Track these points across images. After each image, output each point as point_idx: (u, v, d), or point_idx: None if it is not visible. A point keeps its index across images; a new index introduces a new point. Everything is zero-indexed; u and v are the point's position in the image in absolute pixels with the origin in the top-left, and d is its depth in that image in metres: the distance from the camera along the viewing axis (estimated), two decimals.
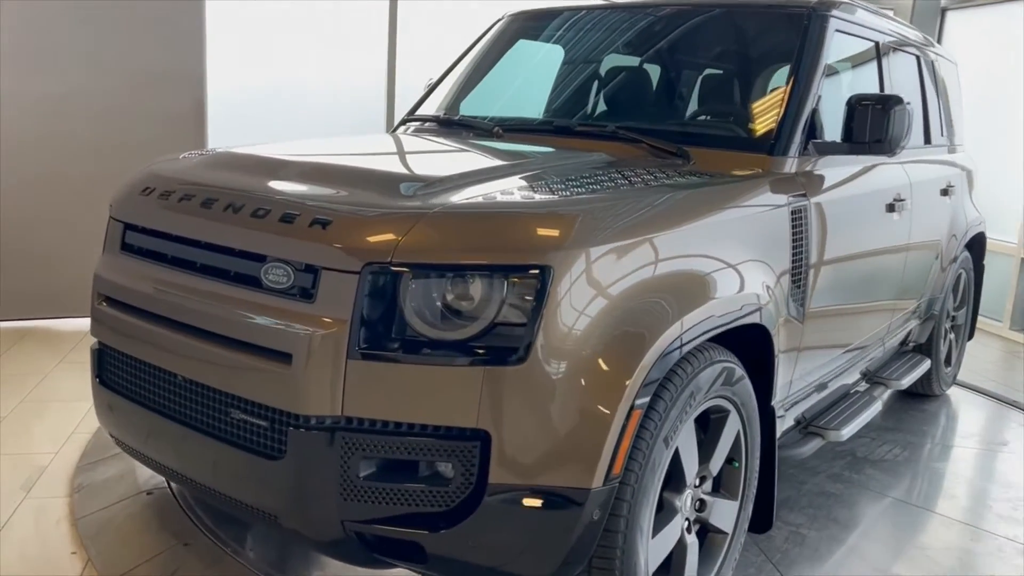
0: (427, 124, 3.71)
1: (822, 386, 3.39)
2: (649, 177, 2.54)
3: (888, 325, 3.93)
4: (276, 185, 2.38)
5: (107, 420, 2.61)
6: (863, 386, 4.02)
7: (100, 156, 5.48)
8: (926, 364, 4.50)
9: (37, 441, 3.79)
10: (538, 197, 2.22)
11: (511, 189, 2.29)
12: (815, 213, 2.93)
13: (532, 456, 2.00)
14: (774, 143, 2.92)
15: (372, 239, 2.03)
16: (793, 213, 2.81)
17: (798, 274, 2.84)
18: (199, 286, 2.27)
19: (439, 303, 2.01)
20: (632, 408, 2.04)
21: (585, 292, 2.03)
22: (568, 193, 2.26)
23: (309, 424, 2.04)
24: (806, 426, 3.39)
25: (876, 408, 3.73)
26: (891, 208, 3.59)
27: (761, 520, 2.81)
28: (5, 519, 3.08)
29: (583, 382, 2.00)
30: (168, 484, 3.27)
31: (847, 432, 3.41)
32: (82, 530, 3.03)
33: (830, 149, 3.05)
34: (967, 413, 4.93)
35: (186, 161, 2.76)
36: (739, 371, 2.48)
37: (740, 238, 2.55)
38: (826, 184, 3.06)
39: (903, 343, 4.46)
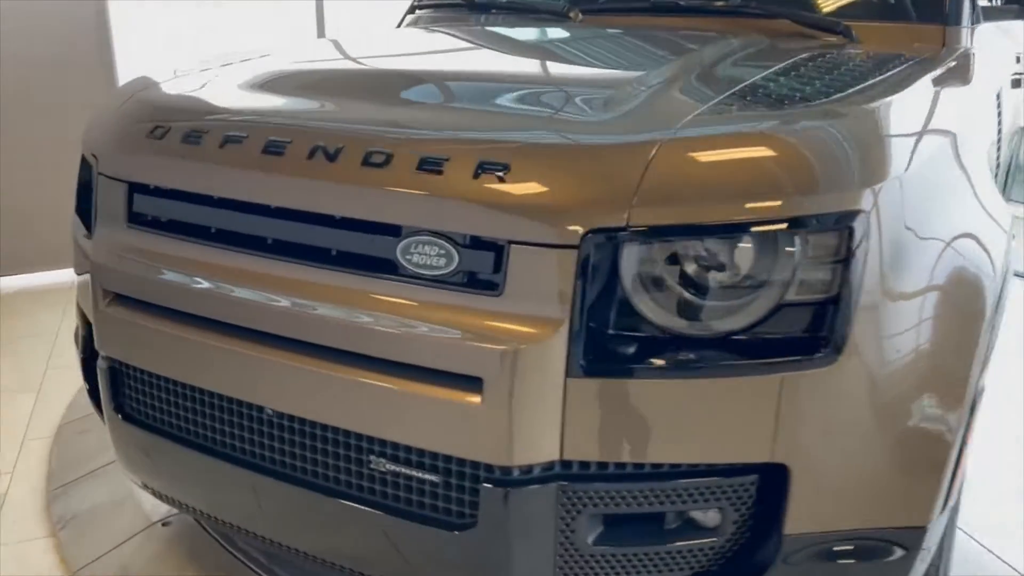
0: (446, 11, 2.87)
1: None
2: (864, 67, 1.88)
3: None
4: (374, 113, 1.60)
5: (139, 468, 1.84)
6: None
7: None
8: None
9: None
10: (787, 110, 1.53)
11: (732, 99, 1.58)
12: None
13: (848, 492, 1.38)
14: (948, 9, 2.28)
15: (591, 191, 1.31)
16: (997, 98, 2.21)
17: (995, 173, 2.27)
18: (287, 275, 1.50)
19: (699, 281, 1.33)
20: (974, 404, 1.45)
21: (899, 244, 1.38)
22: (815, 101, 1.58)
23: (511, 478, 1.36)
24: None
25: None
26: (1016, 83, 3.04)
27: None
28: None
29: (917, 378, 1.38)
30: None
31: None
32: None
33: (999, 14, 2.45)
34: None
35: (195, 82, 1.91)
36: None
37: (984, 135, 1.95)
38: (993, 58, 2.47)
39: None
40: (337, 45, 2.31)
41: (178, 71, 2.02)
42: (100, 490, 2.65)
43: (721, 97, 1.56)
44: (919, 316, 1.39)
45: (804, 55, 1.93)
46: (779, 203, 1.30)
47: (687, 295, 1.32)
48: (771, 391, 1.31)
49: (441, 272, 1.37)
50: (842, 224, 1.30)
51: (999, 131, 2.24)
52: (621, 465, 1.36)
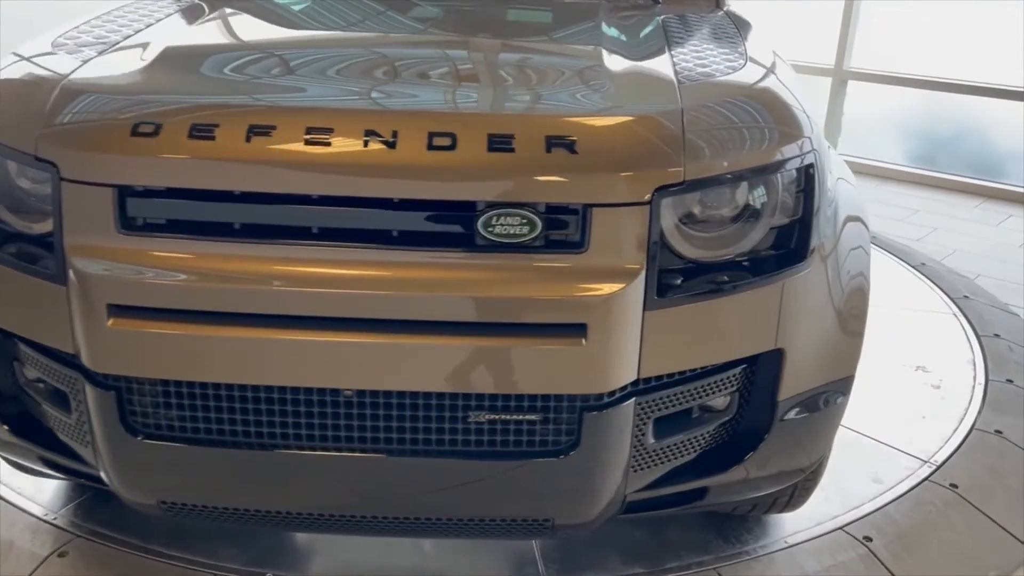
0: None
1: None
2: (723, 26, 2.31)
3: None
4: (401, 95, 1.68)
5: (158, 484, 1.70)
6: None
7: None
8: None
9: None
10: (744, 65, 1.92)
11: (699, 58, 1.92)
12: None
13: (812, 359, 1.84)
14: None
15: (654, 155, 1.57)
16: None
17: None
18: (338, 258, 1.54)
19: (726, 217, 1.67)
20: None
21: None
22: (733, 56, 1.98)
23: (605, 403, 1.61)
24: None
25: None
26: None
27: None
28: None
29: (847, 269, 1.89)
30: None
31: None
32: None
33: None
34: None
35: (135, 60, 1.76)
36: None
37: None
38: None
39: None
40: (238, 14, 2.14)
41: (58, 44, 1.81)
42: None
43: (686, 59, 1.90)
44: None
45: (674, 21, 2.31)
46: (777, 146, 1.69)
47: (716, 230, 1.66)
48: (776, 295, 1.71)
49: (522, 239, 1.54)
50: (806, 164, 1.73)
51: None
52: (672, 375, 1.69)
